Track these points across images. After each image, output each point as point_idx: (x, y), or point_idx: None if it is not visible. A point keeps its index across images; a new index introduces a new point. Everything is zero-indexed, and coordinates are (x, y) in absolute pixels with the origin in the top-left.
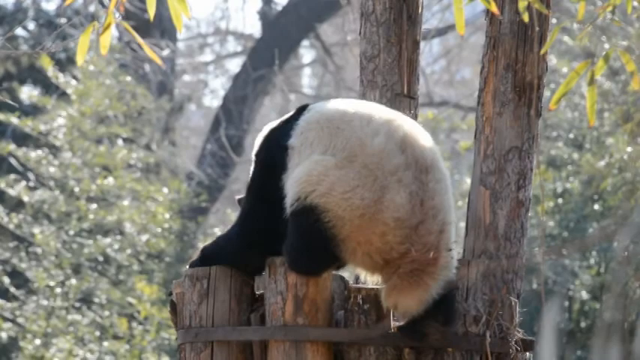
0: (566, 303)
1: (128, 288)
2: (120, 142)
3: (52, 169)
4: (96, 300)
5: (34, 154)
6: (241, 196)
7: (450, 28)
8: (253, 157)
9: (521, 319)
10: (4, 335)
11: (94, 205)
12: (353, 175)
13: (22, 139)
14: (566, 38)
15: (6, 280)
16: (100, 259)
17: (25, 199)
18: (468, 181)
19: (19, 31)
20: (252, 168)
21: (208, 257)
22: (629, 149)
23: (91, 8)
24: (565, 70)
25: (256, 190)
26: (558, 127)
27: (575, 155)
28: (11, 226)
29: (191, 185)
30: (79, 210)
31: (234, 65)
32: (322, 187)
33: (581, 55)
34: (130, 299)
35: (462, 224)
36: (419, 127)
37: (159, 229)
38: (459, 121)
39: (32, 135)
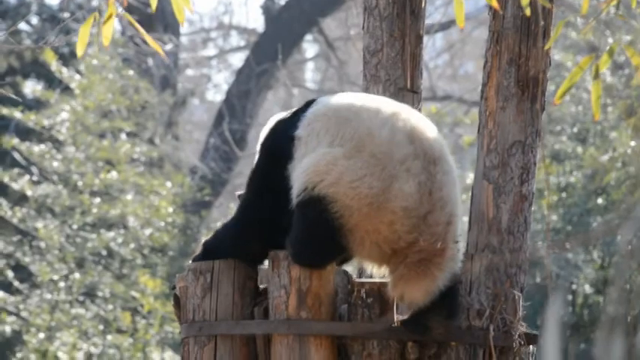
0: (570, 297)
1: (132, 282)
2: (123, 136)
3: (55, 164)
4: (99, 294)
5: (38, 148)
6: (241, 192)
7: (453, 22)
8: (258, 148)
9: (525, 313)
10: (8, 329)
11: (98, 199)
12: (361, 164)
13: (26, 133)
14: (570, 32)
15: (10, 274)
16: (104, 253)
17: (29, 193)
18: (471, 175)
19: (22, 26)
20: (256, 159)
21: (210, 251)
22: (632, 143)
23: (94, 2)
24: (570, 64)
25: (260, 179)
26: (562, 121)
27: (579, 149)
28: (15, 220)
29: (194, 179)
30: (83, 204)
31: (238, 60)
32: (331, 176)
33: (585, 49)
34: (134, 293)
35: (465, 218)
36: (426, 119)
37: (162, 223)
38: (462, 116)
39: (35, 129)
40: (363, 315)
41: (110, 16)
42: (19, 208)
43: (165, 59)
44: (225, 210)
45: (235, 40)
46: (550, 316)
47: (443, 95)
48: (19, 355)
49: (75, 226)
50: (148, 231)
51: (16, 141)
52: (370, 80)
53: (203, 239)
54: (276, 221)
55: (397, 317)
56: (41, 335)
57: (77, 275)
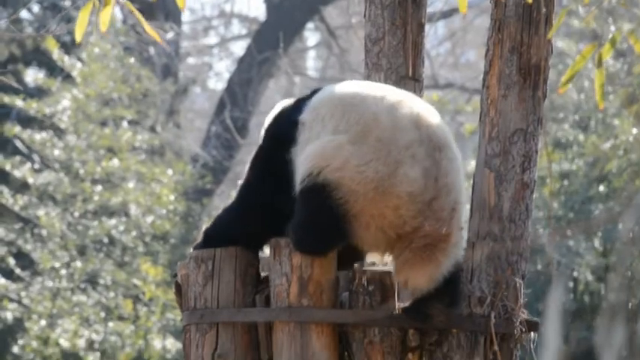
0: (571, 284)
1: (133, 269)
2: (125, 124)
3: (56, 152)
4: (101, 281)
5: (39, 136)
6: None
7: (455, 10)
8: (262, 133)
9: (526, 300)
10: (9, 316)
11: (99, 187)
12: (367, 149)
13: (27, 121)
14: (572, 20)
15: (11, 261)
16: (105, 240)
17: (30, 180)
18: (473, 163)
19: (24, 14)
20: (259, 144)
21: (211, 237)
22: (634, 131)
23: None
24: (573, 50)
25: (262, 162)
26: (564, 108)
27: (581, 137)
28: (16, 208)
29: (196, 167)
30: (84, 192)
31: (239, 48)
32: (337, 161)
33: (588, 36)
34: (135, 281)
35: (467, 206)
36: (431, 107)
37: (164, 211)
38: (463, 104)
39: (37, 117)
40: (365, 302)
41: (109, 2)
42: (21, 196)
43: (166, 47)
44: (226, 198)
45: (237, 28)
46: (551, 304)
47: (445, 83)
48: (20, 342)
49: (76, 214)
50: (149, 219)
51: (17, 129)
52: (372, 68)
53: (204, 227)
54: (276, 206)
55: (398, 305)
56: (43, 322)
57: (79, 263)
